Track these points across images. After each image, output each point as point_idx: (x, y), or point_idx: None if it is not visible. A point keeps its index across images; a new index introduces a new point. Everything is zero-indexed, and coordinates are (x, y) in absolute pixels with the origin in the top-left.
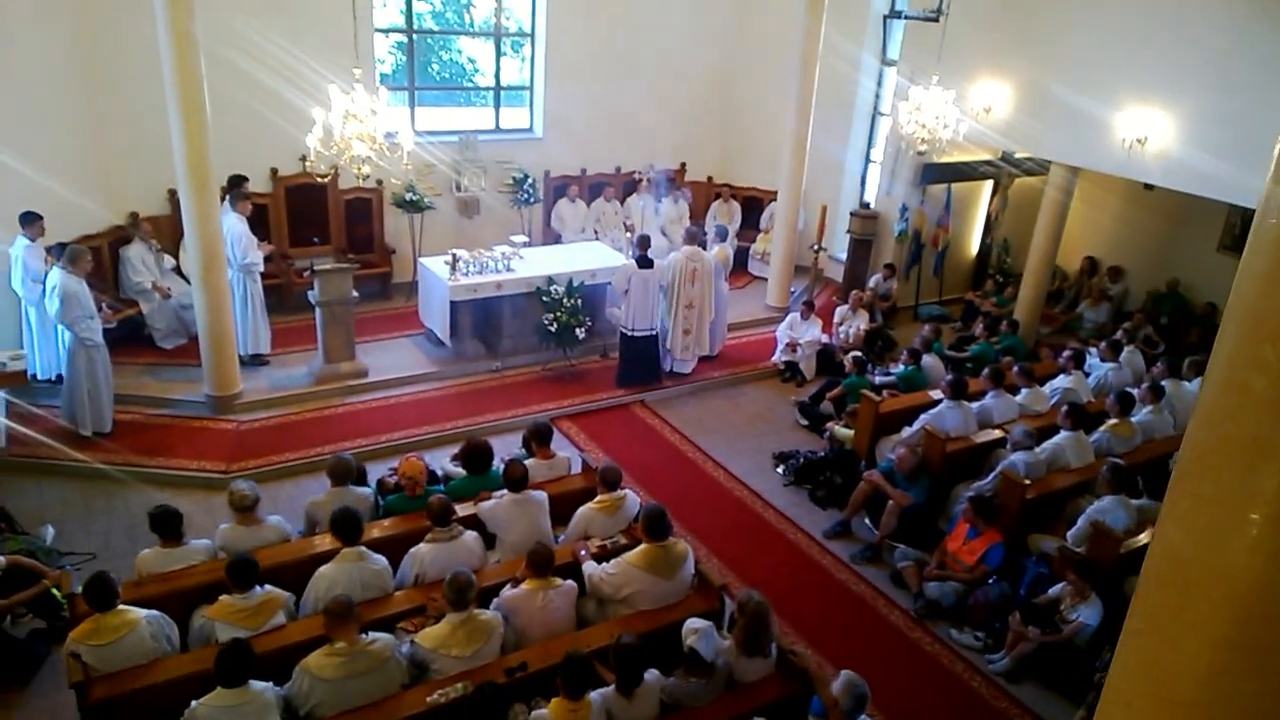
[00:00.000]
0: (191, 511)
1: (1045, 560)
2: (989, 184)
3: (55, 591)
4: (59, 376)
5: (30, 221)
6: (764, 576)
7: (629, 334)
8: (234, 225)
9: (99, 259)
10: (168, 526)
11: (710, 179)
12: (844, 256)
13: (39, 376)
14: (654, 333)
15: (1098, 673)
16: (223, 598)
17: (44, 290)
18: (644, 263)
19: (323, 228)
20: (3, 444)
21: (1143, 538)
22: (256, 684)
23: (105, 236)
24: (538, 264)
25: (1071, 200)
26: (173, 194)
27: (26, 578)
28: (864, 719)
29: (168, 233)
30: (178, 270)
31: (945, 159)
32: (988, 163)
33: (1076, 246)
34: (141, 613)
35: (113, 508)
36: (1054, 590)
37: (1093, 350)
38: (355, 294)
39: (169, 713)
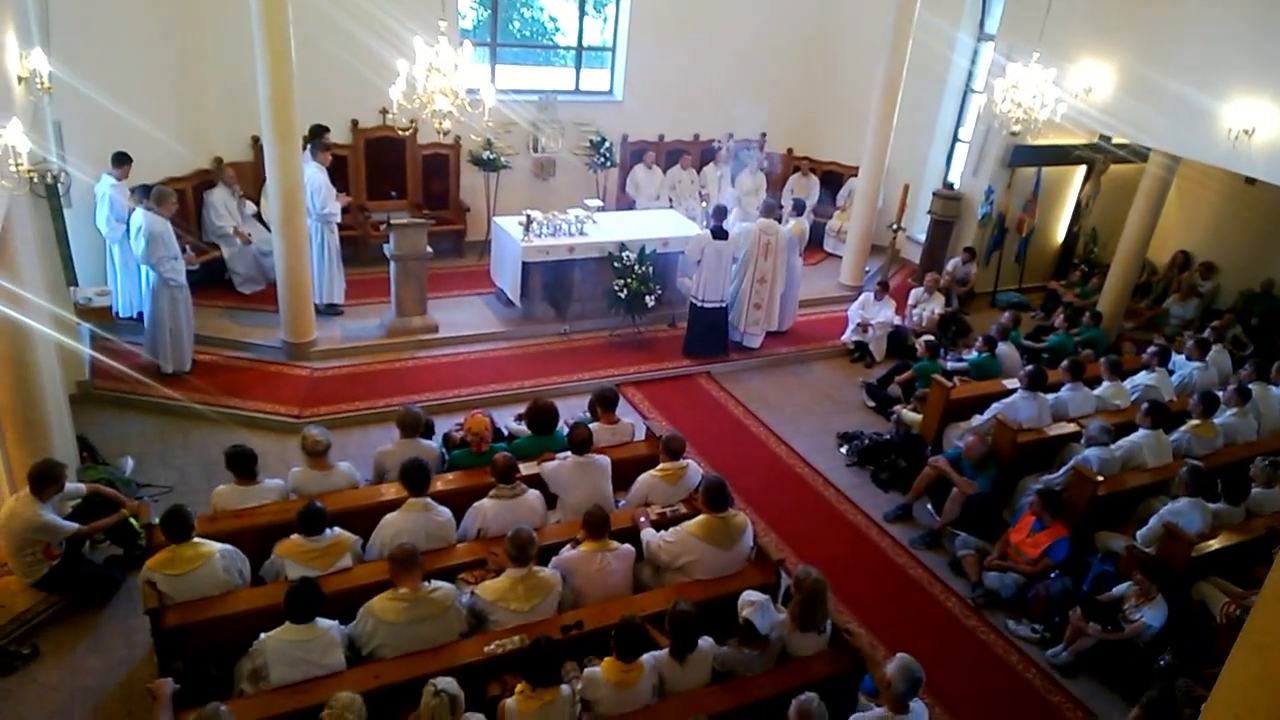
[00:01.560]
0: (265, 452)
1: (1111, 558)
2: (1081, 169)
3: (133, 521)
4: (139, 315)
5: (121, 162)
6: (822, 554)
7: (699, 304)
8: (314, 175)
9: (183, 202)
10: (243, 465)
11: (790, 151)
12: (923, 237)
13: (120, 314)
14: (724, 304)
15: (1157, 674)
16: (293, 537)
17: (128, 230)
18: (718, 233)
19: (400, 182)
20: (87, 377)
21: (1215, 543)
22: (323, 621)
23: (190, 180)
24: (611, 229)
25: (1169, 191)
26: (256, 141)
27: (106, 506)
28: (917, 702)
29: (250, 179)
30: (259, 217)
31: (1038, 141)
32: (1083, 147)
33: (1169, 239)
34: (215, 546)
35: (190, 444)
36: (1119, 589)
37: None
38: (429, 250)
39: (238, 643)
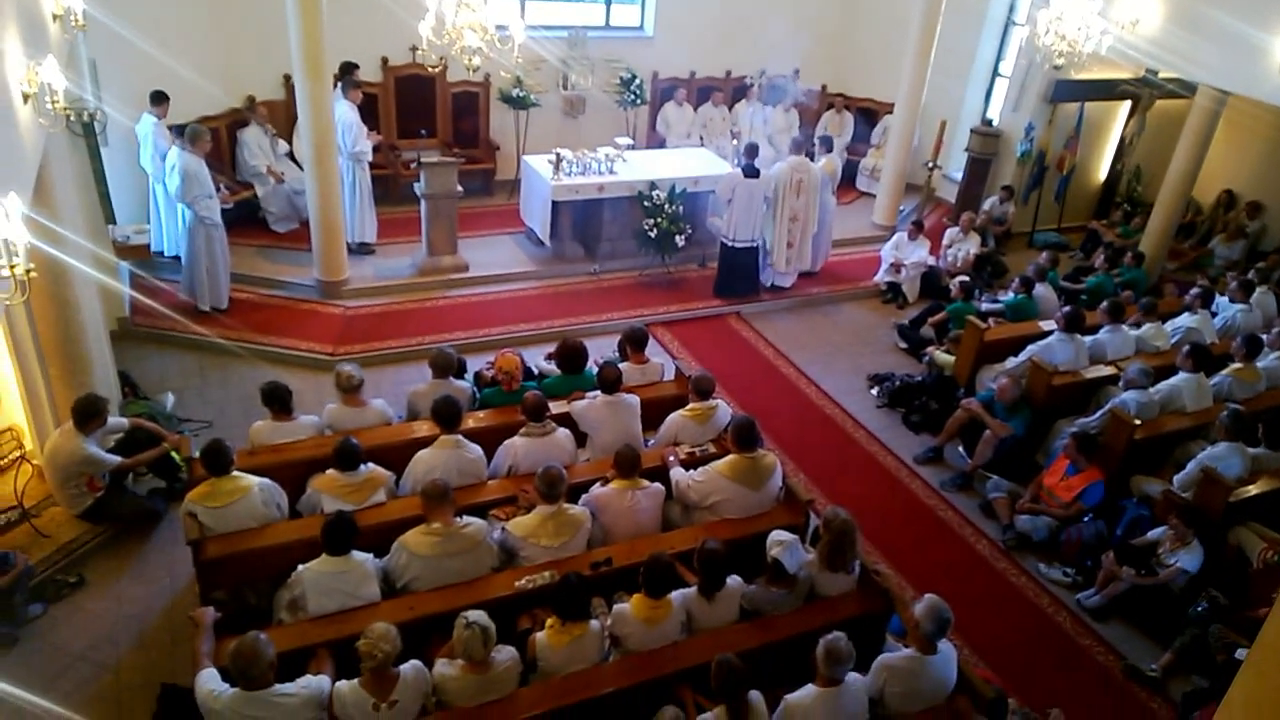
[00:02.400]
0: (300, 389)
1: (1147, 503)
2: (1126, 105)
3: (174, 454)
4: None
5: (159, 100)
6: (851, 495)
7: (729, 244)
8: (345, 112)
9: (217, 140)
10: (279, 401)
11: (824, 87)
12: (959, 176)
13: (165, 253)
14: (755, 244)
15: (1191, 619)
16: (329, 472)
17: (165, 168)
18: (750, 172)
19: (430, 120)
20: (127, 314)
21: (1254, 488)
22: (358, 554)
23: (223, 119)
24: (641, 168)
25: (1216, 127)
26: (288, 79)
27: (148, 440)
28: (944, 643)
29: (282, 118)
30: (291, 156)
31: (1082, 75)
32: (1127, 81)
33: (1215, 178)
34: (254, 480)
35: (228, 380)
36: (1154, 533)
37: (1228, 287)
38: (459, 188)
39: (276, 573)
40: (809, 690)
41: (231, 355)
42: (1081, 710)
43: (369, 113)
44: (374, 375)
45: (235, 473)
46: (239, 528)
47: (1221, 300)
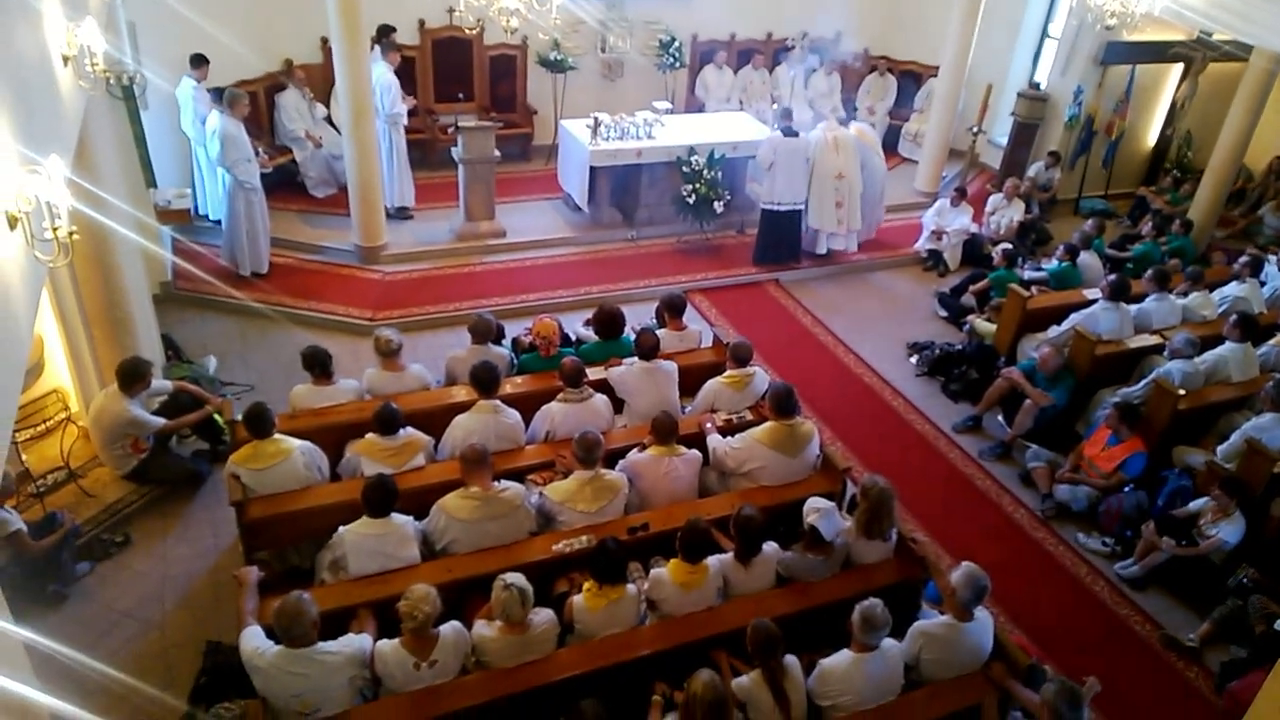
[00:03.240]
0: (339, 354)
1: (1188, 473)
2: (1178, 68)
3: (217, 417)
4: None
5: (199, 64)
6: (888, 463)
7: (771, 209)
8: (382, 74)
9: (255, 105)
10: (319, 365)
11: (866, 50)
12: (1004, 141)
13: (210, 216)
14: (799, 208)
15: (1231, 590)
16: (369, 436)
17: (205, 132)
18: (789, 132)
19: (467, 84)
20: (169, 278)
21: None
22: (398, 517)
23: (261, 83)
24: (679, 133)
25: (1270, 92)
26: (325, 42)
27: (191, 403)
28: (981, 610)
29: (320, 82)
30: (329, 120)
31: (1134, 37)
32: (1180, 44)
33: (1268, 144)
34: (296, 443)
35: (268, 344)
36: (1195, 504)
37: (1271, 258)
38: (497, 153)
39: (318, 535)
40: (844, 655)
41: (272, 320)
42: (1118, 679)
43: (406, 76)
44: (412, 340)
45: (277, 436)
46: (281, 490)
47: (1270, 269)
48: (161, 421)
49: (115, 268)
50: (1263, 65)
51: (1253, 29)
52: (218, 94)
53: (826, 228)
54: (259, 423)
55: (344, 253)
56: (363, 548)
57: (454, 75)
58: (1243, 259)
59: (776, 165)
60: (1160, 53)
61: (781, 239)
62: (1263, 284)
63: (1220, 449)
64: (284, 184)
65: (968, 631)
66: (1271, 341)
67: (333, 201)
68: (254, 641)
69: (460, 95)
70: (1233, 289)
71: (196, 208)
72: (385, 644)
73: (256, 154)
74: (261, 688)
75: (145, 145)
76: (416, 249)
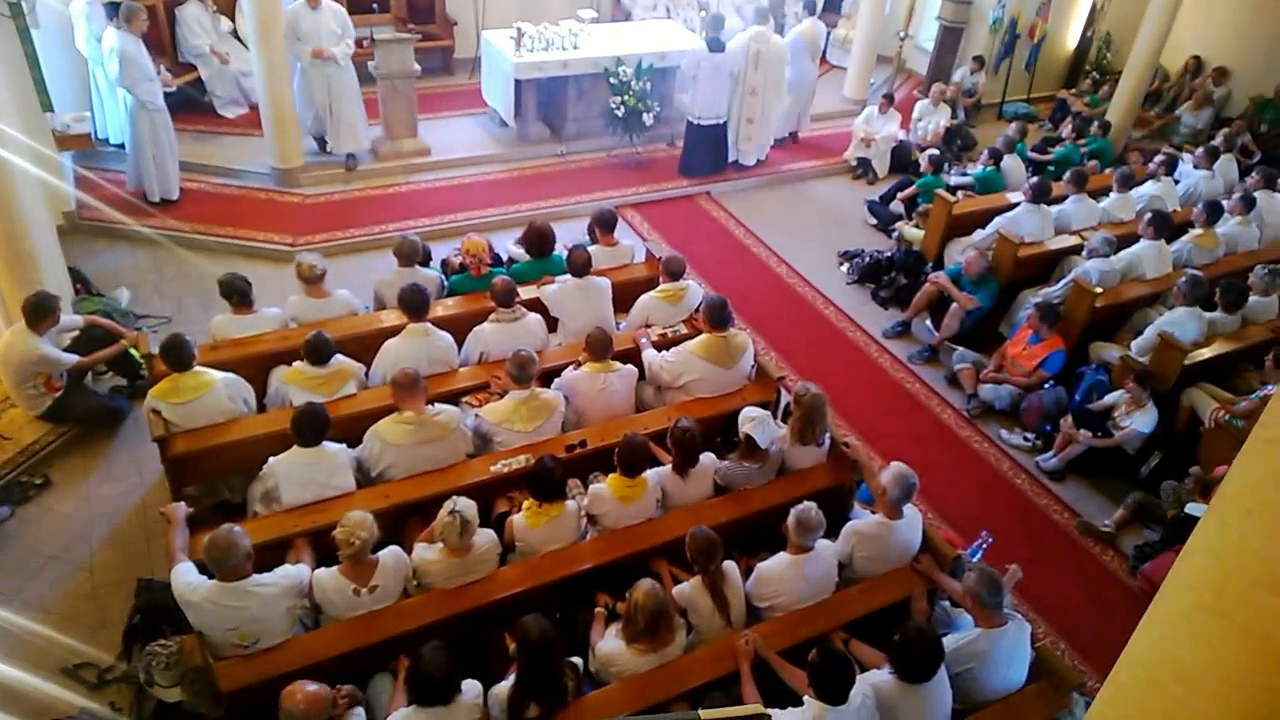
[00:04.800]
0: (261, 281)
1: (1105, 368)
2: None
3: (133, 351)
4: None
5: None
6: (821, 371)
7: (695, 122)
8: (120, 44)
9: (155, 19)
10: (238, 293)
11: None
12: (930, 47)
13: (112, 140)
14: (721, 121)
15: (1144, 477)
16: (297, 365)
17: (102, 51)
18: (714, 45)
19: None
20: (73, 208)
21: (1207, 351)
22: (331, 445)
23: None
24: (606, 43)
25: None
26: None
27: (105, 338)
28: (909, 508)
29: None
30: (235, 35)
31: None
32: None
33: (1183, 44)
34: (218, 375)
35: (185, 273)
36: (1110, 397)
37: (1186, 157)
38: (417, 67)
39: (248, 468)
40: (781, 557)
41: (187, 248)
42: (1041, 566)
43: None
44: (337, 265)
45: (197, 368)
46: (205, 423)
47: (1185, 168)
48: (74, 358)
49: (12, 198)
50: None
51: None
52: (114, 9)
53: (737, 144)
54: (177, 355)
55: (260, 175)
56: (295, 477)
57: None
58: (1158, 158)
59: (699, 79)
60: None
61: (706, 151)
62: (1177, 182)
63: (1134, 343)
64: (190, 104)
65: (898, 529)
66: (1184, 238)
67: (245, 121)
68: (186, 577)
69: (374, 6)
70: (1149, 188)
71: (97, 131)
72: (323, 572)
73: (159, 72)
74: (197, 623)
75: (38, 66)
76: (337, 170)
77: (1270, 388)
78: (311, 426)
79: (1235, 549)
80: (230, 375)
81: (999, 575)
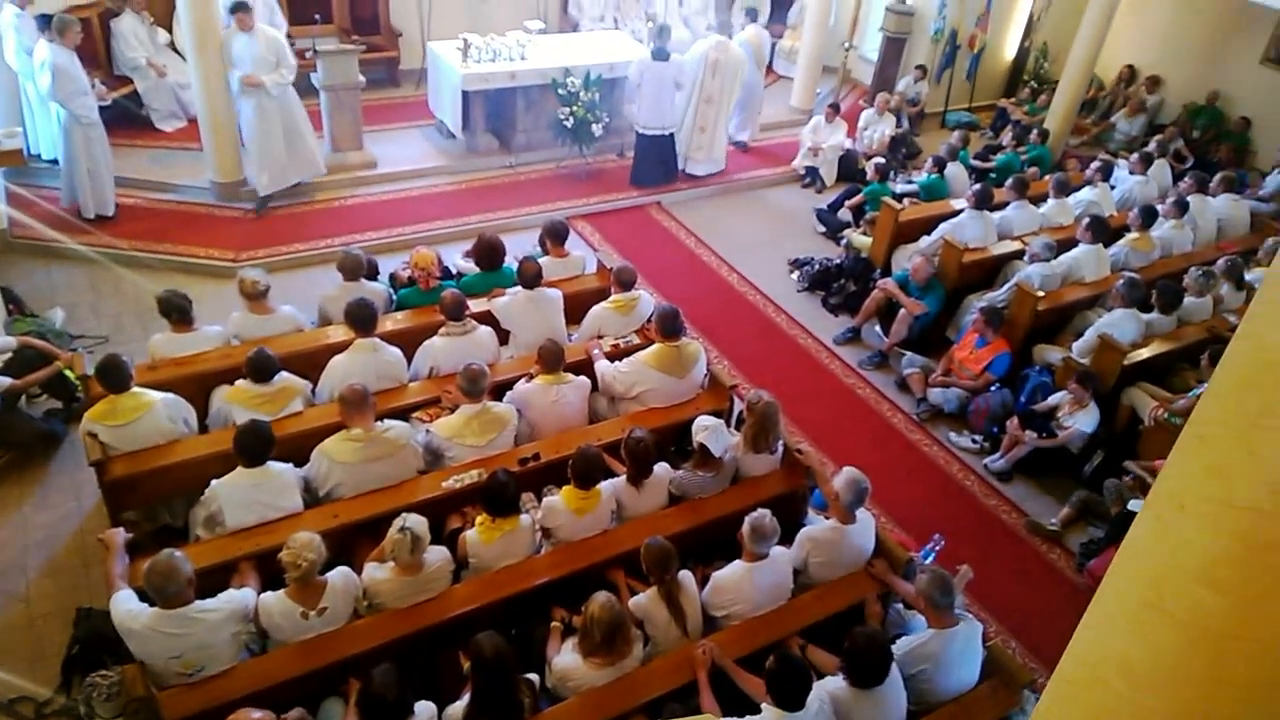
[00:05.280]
0: (202, 298)
1: (1048, 370)
2: None
3: (68, 373)
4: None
5: None
6: (773, 379)
7: (642, 132)
8: (51, 57)
9: (89, 32)
10: (177, 311)
11: None
12: (875, 57)
13: (44, 156)
14: (667, 132)
15: (1087, 476)
16: (240, 383)
17: (33, 64)
18: (659, 55)
19: (324, 5)
20: (4, 226)
21: (1145, 351)
22: (276, 464)
23: (94, 8)
24: (554, 54)
25: (1119, 2)
26: None
27: (39, 360)
28: (862, 512)
29: (160, 5)
30: (173, 47)
31: None
32: None
33: (1117, 53)
34: (157, 395)
35: (122, 292)
36: (1054, 398)
37: (1122, 163)
38: (362, 79)
39: (189, 490)
40: (736, 566)
41: (124, 265)
42: (990, 565)
43: None
44: (281, 281)
45: (136, 389)
46: (145, 445)
47: (1120, 173)
48: (7, 381)
49: None
50: None
51: None
52: (45, 21)
53: (687, 153)
54: (114, 376)
55: (199, 190)
56: (240, 499)
57: None
58: (1094, 164)
59: (644, 88)
60: None
61: (655, 161)
62: (1113, 188)
63: (1075, 345)
64: (127, 118)
65: (851, 533)
66: (1121, 242)
67: (183, 135)
68: (126, 605)
69: (317, 17)
70: (1086, 194)
71: (29, 147)
72: (269, 596)
73: (93, 85)
74: (138, 651)
75: None
76: (280, 183)
77: (1206, 385)
78: (255, 445)
79: (1171, 545)
80: (170, 395)
81: (950, 577)
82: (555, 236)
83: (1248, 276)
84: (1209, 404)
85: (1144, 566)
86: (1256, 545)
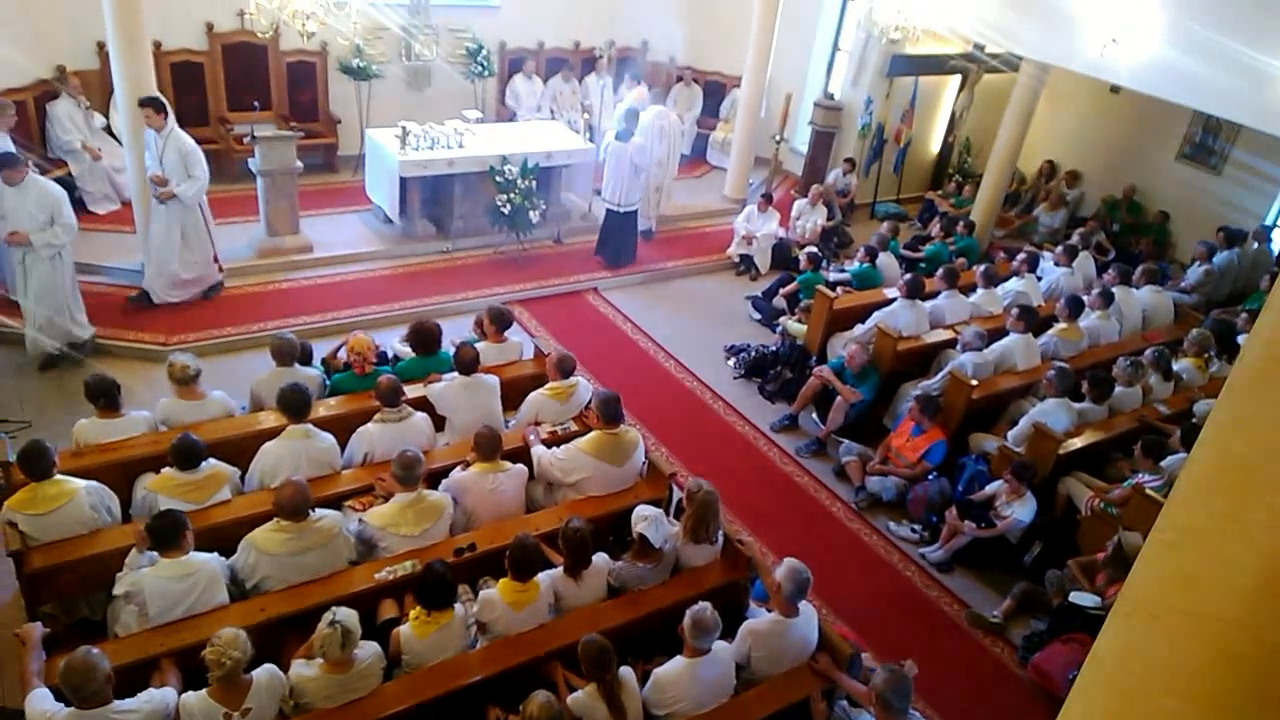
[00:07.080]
0: (130, 384)
1: (984, 459)
2: (956, 80)
3: None
4: None
5: None
6: (712, 467)
7: (614, 210)
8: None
9: (24, 115)
10: (105, 396)
11: (673, 60)
12: (804, 149)
13: None
14: (633, 208)
15: (1027, 566)
16: (165, 471)
17: None
18: (622, 137)
19: (263, 92)
20: None
21: (1079, 441)
22: (200, 555)
23: (30, 90)
24: (491, 142)
25: (1038, 100)
26: (101, 47)
27: None
28: (805, 604)
29: (97, 90)
30: (109, 130)
31: (915, 51)
32: (958, 57)
33: (1037, 149)
34: (80, 483)
35: (46, 376)
36: (991, 487)
37: (1047, 254)
38: (299, 164)
39: (109, 582)
40: (677, 662)
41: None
42: (933, 658)
43: (194, 84)
44: (213, 365)
45: (58, 476)
46: (66, 535)
47: (1045, 265)
48: None
49: None
50: (1029, 77)
51: (1018, 43)
52: None
53: (648, 211)
54: (37, 462)
55: (131, 273)
56: (163, 591)
57: (248, 83)
58: (1020, 256)
59: (612, 168)
60: (940, 65)
61: (623, 236)
62: (1040, 279)
63: (1010, 434)
64: None
65: (794, 626)
66: (1050, 332)
67: (116, 218)
68: (41, 705)
69: (256, 104)
70: (1014, 284)
71: None
72: (191, 696)
73: (28, 164)
74: None
75: None
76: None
77: (1141, 475)
78: (166, 531)
79: (1141, 656)
80: (93, 483)
81: (908, 678)
82: (499, 322)
83: (1175, 366)
84: (1175, 510)
85: (1115, 677)
86: (1228, 657)
